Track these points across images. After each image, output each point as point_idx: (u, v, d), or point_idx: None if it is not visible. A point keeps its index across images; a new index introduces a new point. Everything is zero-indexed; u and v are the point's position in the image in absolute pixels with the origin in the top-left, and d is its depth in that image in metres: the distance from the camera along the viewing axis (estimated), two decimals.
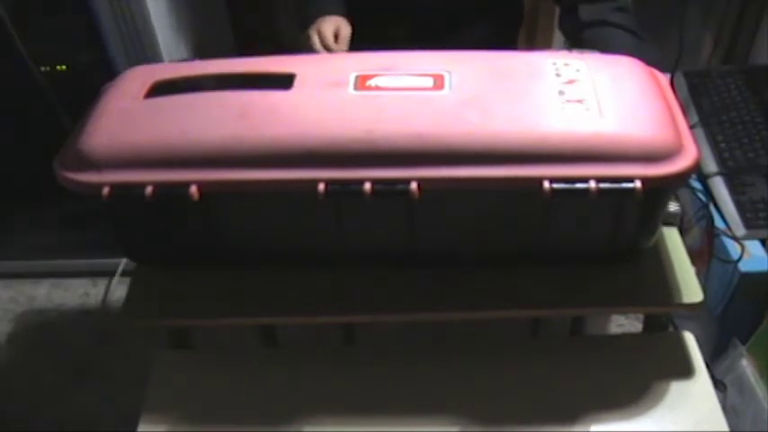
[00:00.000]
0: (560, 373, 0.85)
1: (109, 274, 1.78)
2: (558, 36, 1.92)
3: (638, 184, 0.70)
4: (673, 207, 0.91)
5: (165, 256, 0.87)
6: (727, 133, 1.27)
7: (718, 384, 0.99)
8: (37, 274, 1.82)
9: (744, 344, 1.18)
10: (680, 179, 0.72)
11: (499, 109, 0.75)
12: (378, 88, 0.78)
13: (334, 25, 1.13)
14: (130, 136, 0.75)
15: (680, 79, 1.38)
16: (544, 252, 0.82)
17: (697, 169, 0.74)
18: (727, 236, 1.17)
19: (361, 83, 0.79)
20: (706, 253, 1.21)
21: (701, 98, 1.34)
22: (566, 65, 0.81)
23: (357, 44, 1.13)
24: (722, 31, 1.66)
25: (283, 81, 0.80)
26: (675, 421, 0.80)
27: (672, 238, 0.91)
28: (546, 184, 0.70)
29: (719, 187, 1.21)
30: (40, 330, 1.71)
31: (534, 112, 0.75)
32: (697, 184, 1.25)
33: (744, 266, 1.13)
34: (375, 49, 1.07)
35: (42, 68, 1.48)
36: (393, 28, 1.22)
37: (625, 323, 1.61)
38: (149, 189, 0.72)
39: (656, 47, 1.20)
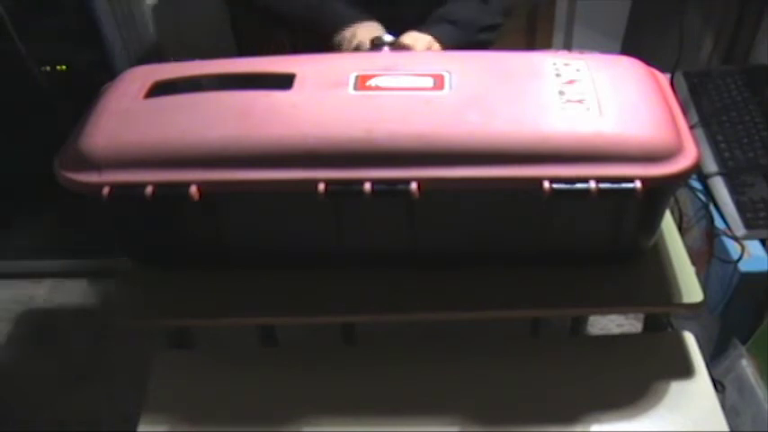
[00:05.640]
0: (560, 373, 0.85)
1: (109, 274, 1.78)
2: (558, 36, 1.92)
3: (638, 184, 0.70)
4: None
5: (165, 257, 0.87)
6: (727, 133, 1.27)
7: (717, 384, 0.99)
8: (37, 274, 1.82)
9: (744, 344, 1.18)
10: (680, 179, 0.72)
11: (499, 109, 0.75)
12: (378, 88, 0.78)
13: (370, 34, 1.11)
14: (130, 136, 0.75)
15: (680, 79, 1.38)
16: (544, 252, 0.82)
17: (697, 169, 0.74)
18: (727, 236, 1.17)
19: (361, 83, 0.79)
20: (706, 253, 1.21)
21: (701, 98, 1.34)
22: (566, 65, 0.81)
23: None
24: (722, 31, 1.66)
25: (283, 81, 0.80)
26: (675, 421, 0.80)
27: (672, 238, 0.91)
28: (546, 185, 0.70)
29: (719, 187, 1.21)
30: (40, 330, 1.71)
31: (534, 113, 0.75)
32: (697, 184, 1.25)
33: (744, 266, 1.13)
34: None
35: (42, 68, 1.48)
36: None
37: (625, 323, 1.61)
38: (149, 189, 0.72)
39: (503, 15, 1.23)
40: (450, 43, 1.13)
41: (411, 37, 1.11)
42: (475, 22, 1.19)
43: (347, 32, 1.11)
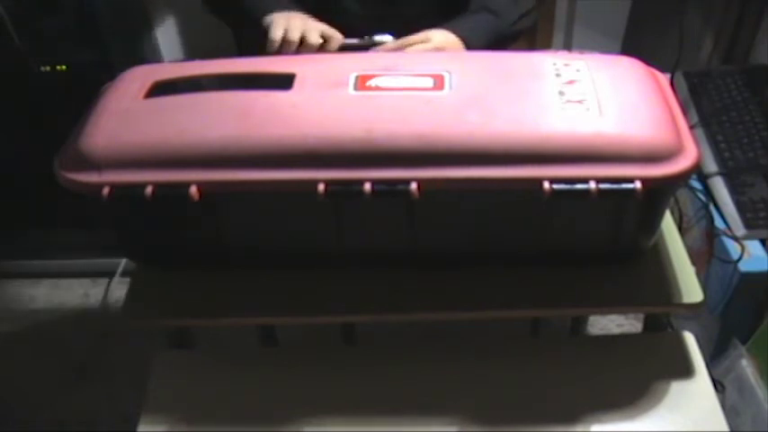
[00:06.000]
0: (560, 373, 0.85)
1: (109, 274, 1.78)
2: (558, 36, 1.92)
3: (638, 184, 0.70)
4: None
5: (165, 257, 0.87)
6: (727, 133, 1.27)
7: (717, 384, 0.99)
8: (37, 274, 1.82)
9: (744, 344, 1.18)
10: (680, 179, 0.72)
11: (499, 109, 0.75)
12: (378, 88, 0.78)
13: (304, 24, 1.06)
14: (130, 136, 0.75)
15: (680, 79, 1.38)
16: (544, 252, 0.82)
17: (697, 169, 0.74)
18: (727, 236, 1.17)
19: (361, 83, 0.79)
20: (706, 253, 1.21)
21: (701, 98, 1.34)
22: (566, 65, 0.81)
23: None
24: (722, 31, 1.66)
25: (283, 81, 0.80)
26: (675, 421, 0.80)
27: (672, 238, 0.91)
28: (546, 185, 0.70)
29: (719, 187, 1.21)
30: (40, 330, 1.71)
31: (534, 113, 0.75)
32: (697, 184, 1.25)
33: (744, 266, 1.13)
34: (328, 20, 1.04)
35: (42, 68, 1.48)
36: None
37: (625, 323, 1.61)
38: (149, 189, 0.72)
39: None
40: (487, 35, 1.11)
41: (425, 34, 1.09)
42: (513, 9, 1.18)
43: (287, 20, 1.06)
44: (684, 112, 0.80)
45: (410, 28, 1.12)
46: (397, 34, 1.11)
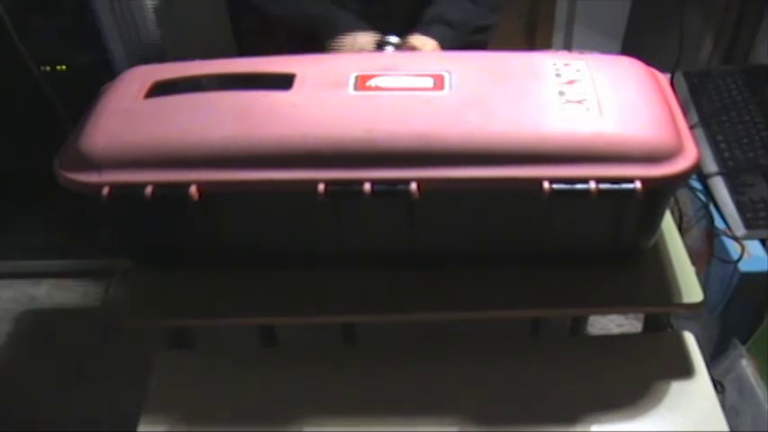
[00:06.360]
0: (560, 373, 0.85)
1: (109, 274, 1.77)
2: (558, 36, 1.92)
3: (638, 184, 0.70)
4: None
5: (165, 257, 0.87)
6: (727, 133, 1.27)
7: (717, 384, 0.99)
8: (37, 274, 1.82)
9: (744, 344, 1.18)
10: (680, 179, 0.72)
11: (499, 109, 0.75)
12: (378, 88, 0.78)
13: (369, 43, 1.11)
14: (130, 136, 0.75)
15: (680, 79, 1.38)
16: (544, 252, 0.82)
17: (697, 169, 0.74)
18: (727, 236, 1.17)
19: (361, 83, 0.79)
20: (706, 253, 1.21)
21: (701, 98, 1.34)
22: (566, 65, 0.81)
23: None
24: (722, 31, 1.66)
25: (283, 81, 0.80)
26: (675, 421, 0.80)
27: (672, 238, 0.91)
28: (546, 185, 0.70)
29: (719, 187, 1.21)
30: (40, 330, 1.71)
31: (534, 113, 0.75)
32: (697, 184, 1.25)
33: (744, 266, 1.13)
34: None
35: (42, 68, 1.48)
36: None
37: (625, 323, 1.61)
38: (149, 189, 0.72)
39: (492, 13, 1.23)
40: (446, 45, 1.13)
41: (419, 40, 1.11)
42: (468, 22, 1.19)
43: (347, 40, 1.11)
44: (684, 112, 0.80)
45: (411, 27, 1.12)
46: (398, 33, 1.11)
